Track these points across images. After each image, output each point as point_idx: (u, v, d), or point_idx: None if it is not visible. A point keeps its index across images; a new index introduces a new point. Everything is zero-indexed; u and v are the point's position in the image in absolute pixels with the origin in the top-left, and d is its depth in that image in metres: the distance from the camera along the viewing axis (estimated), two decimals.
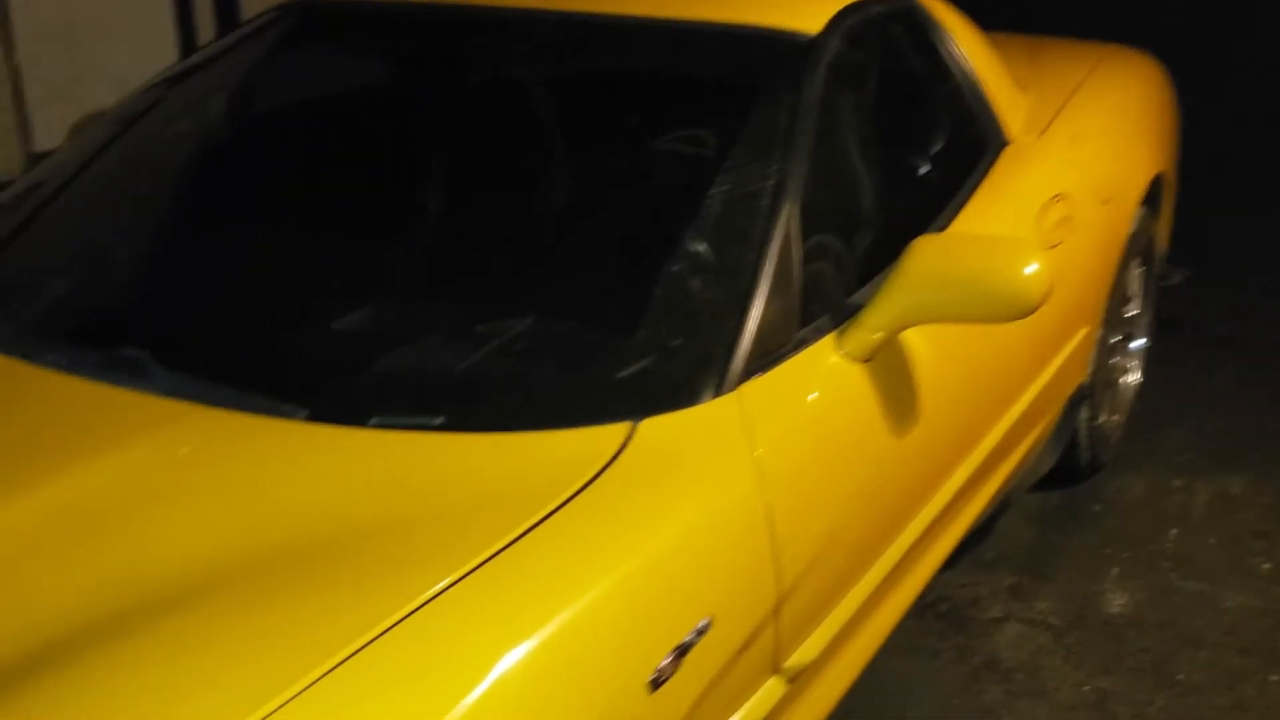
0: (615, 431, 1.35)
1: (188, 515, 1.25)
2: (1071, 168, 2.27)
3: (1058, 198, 2.16)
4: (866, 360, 1.59)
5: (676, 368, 1.46)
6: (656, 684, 1.22)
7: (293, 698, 1.01)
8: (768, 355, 1.50)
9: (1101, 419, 2.62)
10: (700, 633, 1.27)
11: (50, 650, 1.07)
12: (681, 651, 1.25)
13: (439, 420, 1.37)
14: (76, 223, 1.88)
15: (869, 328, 1.57)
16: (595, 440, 1.34)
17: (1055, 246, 2.08)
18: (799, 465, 1.46)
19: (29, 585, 1.16)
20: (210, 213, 1.84)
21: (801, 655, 1.51)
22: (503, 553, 1.18)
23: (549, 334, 1.54)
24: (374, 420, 1.37)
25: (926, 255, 1.58)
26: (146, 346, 1.48)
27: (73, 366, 1.47)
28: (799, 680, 1.52)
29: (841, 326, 1.59)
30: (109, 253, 1.80)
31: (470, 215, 1.71)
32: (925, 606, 2.23)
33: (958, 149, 2.13)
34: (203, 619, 1.10)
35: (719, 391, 1.43)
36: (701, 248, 1.54)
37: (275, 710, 0.99)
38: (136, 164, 1.93)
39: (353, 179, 1.77)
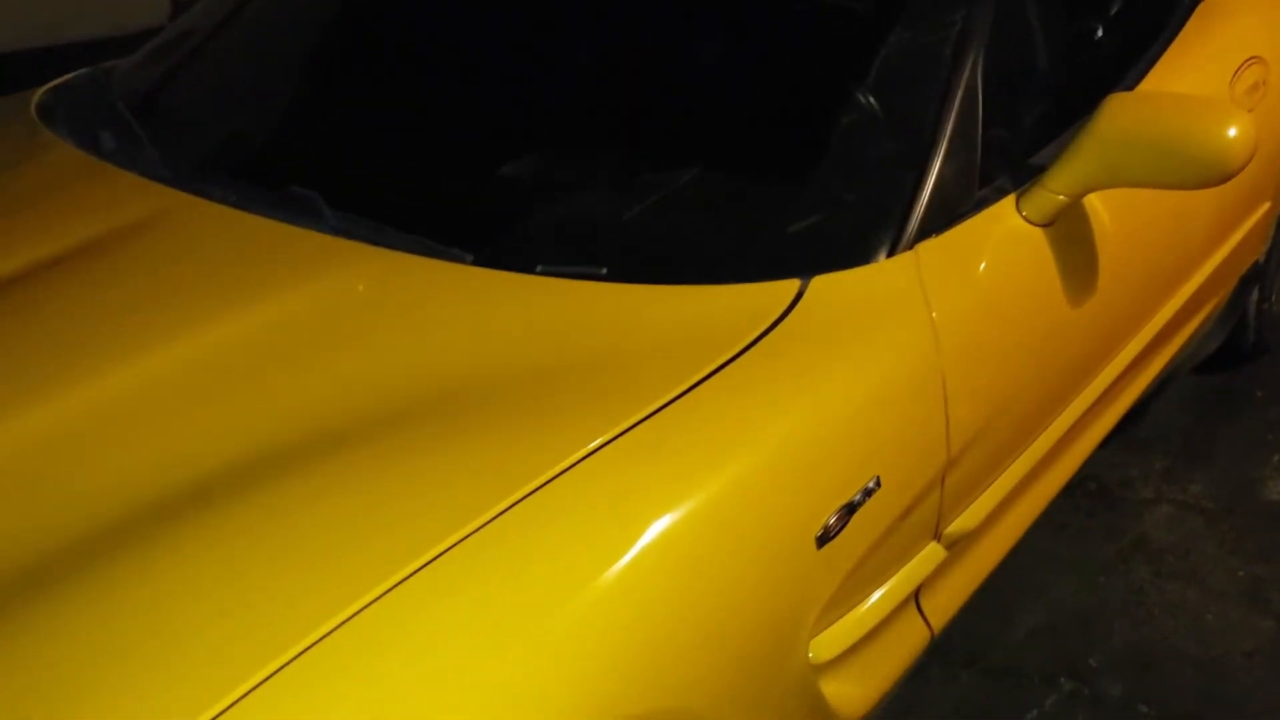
0: (785, 288, 1.32)
1: (360, 352, 1.26)
2: (1271, 30, 2.10)
3: (1253, 60, 2.00)
4: (1047, 225, 1.51)
5: (850, 224, 1.41)
6: (823, 540, 1.21)
7: (462, 540, 1.01)
8: (945, 214, 1.43)
9: (1271, 301, 2.48)
10: (868, 493, 1.26)
11: (227, 478, 1.10)
12: (849, 510, 1.24)
13: (603, 270, 1.36)
14: (239, 64, 1.88)
15: (1052, 189, 1.49)
16: (764, 296, 1.31)
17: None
18: (974, 330, 1.41)
19: (216, 412, 1.19)
20: (376, 57, 1.82)
21: (962, 523, 1.48)
22: (672, 404, 1.17)
23: (717, 186, 1.49)
24: (539, 268, 1.36)
25: (1119, 114, 1.48)
26: (316, 187, 1.48)
27: (244, 203, 1.49)
28: (956, 547, 1.50)
29: (1022, 188, 1.52)
30: (274, 94, 1.80)
31: (639, 64, 1.65)
32: (1074, 485, 2.17)
33: (1147, 2, 1.99)
34: (370, 456, 1.11)
35: (894, 250, 1.38)
36: (879, 98, 1.47)
37: (443, 552, 0.99)
38: (299, 7, 1.91)
39: (522, 25, 1.73)
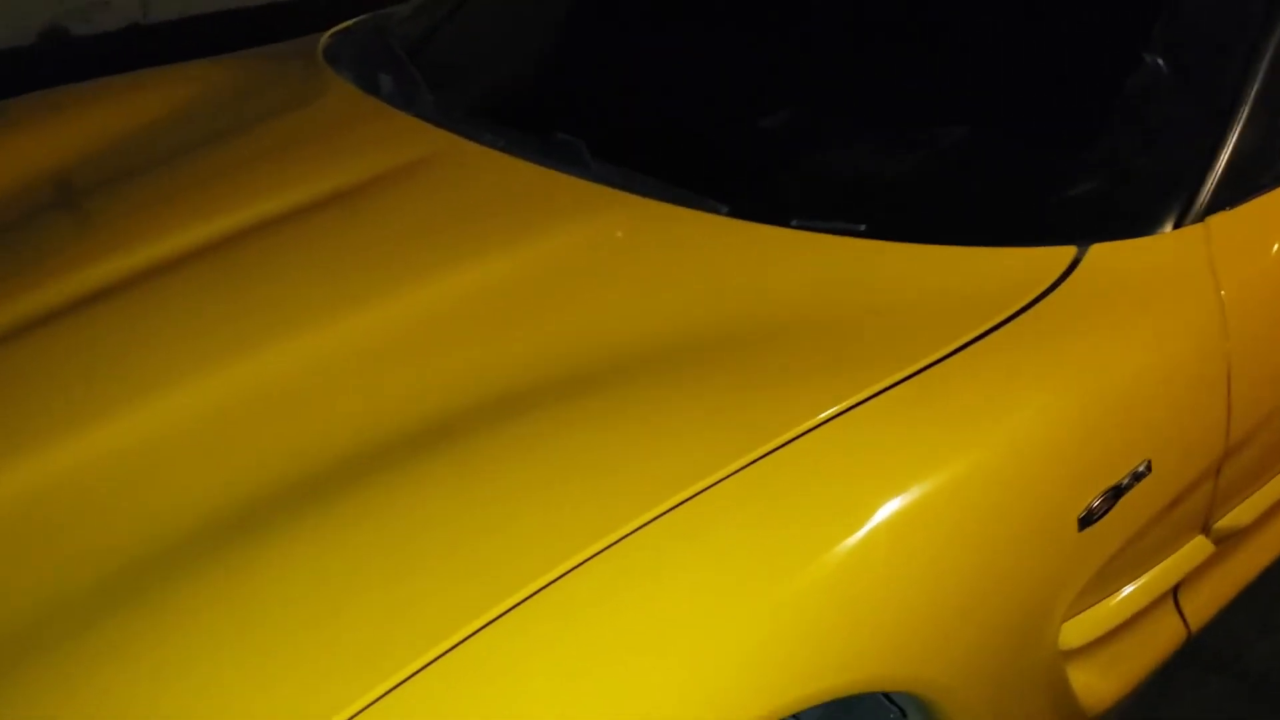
0: (1059, 255, 1.25)
1: (619, 295, 1.28)
2: None
3: None
4: None
5: (1135, 190, 1.32)
6: (1085, 522, 1.15)
7: (709, 487, 1.00)
8: (1242, 186, 1.32)
9: None
10: (1137, 477, 1.18)
11: (479, 412, 1.13)
12: (1115, 494, 1.17)
13: (862, 227, 1.33)
14: (510, 13, 1.94)
15: None
16: (1037, 262, 1.25)
17: None
18: (1267, 313, 1.30)
19: (479, 346, 1.23)
20: (643, 8, 1.83)
21: (1233, 519, 1.38)
22: (934, 366, 1.13)
23: (991, 146, 1.43)
24: (794, 222, 1.34)
25: None
26: (580, 134, 1.51)
27: (512, 148, 1.53)
28: (1225, 544, 1.40)
29: None
30: (542, 43, 1.85)
31: (914, 14, 1.60)
32: None
33: None
34: (619, 399, 1.12)
35: (1182, 221, 1.29)
36: (1175, 58, 1.37)
37: (688, 499, 0.99)
38: None
39: None
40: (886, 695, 1.15)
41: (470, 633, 0.89)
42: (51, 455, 1.12)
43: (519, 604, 0.91)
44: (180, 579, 0.97)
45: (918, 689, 1.05)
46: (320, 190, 1.51)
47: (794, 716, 1.08)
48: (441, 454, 1.07)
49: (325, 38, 1.97)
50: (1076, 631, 1.24)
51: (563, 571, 0.93)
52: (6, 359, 1.27)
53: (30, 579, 1.01)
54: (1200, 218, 1.30)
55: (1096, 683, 1.31)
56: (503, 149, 1.54)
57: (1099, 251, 1.25)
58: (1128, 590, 1.30)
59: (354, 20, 2.05)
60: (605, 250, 1.34)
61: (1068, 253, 1.25)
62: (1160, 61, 1.40)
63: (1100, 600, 1.27)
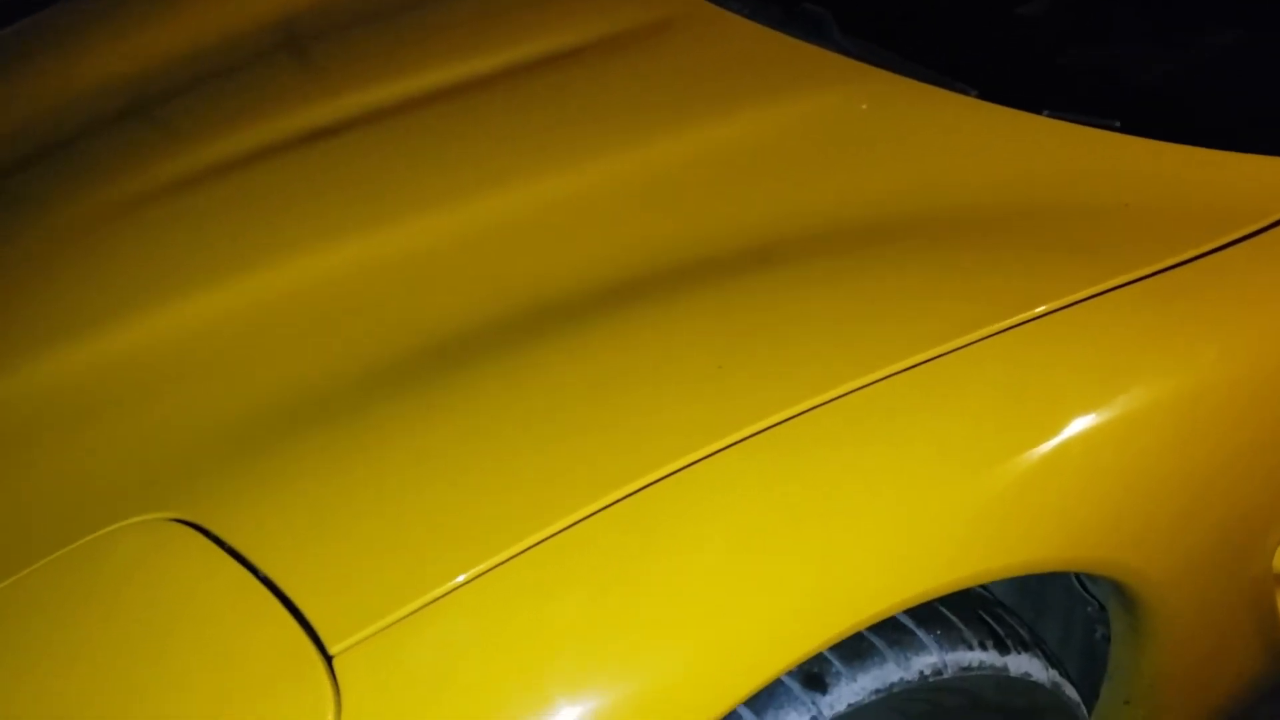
0: None
1: (863, 165, 1.28)
2: None
3: None
4: None
5: None
6: None
7: (953, 350, 1.00)
8: None
9: None
10: None
11: (729, 258, 1.16)
12: None
13: (1117, 122, 1.29)
14: None
15: None
16: None
17: None
18: None
19: (717, 201, 1.25)
20: None
21: None
22: (1177, 268, 1.09)
23: (1260, 49, 1.36)
24: (1047, 111, 1.31)
25: None
26: (827, 6, 1.51)
27: (756, 15, 1.53)
28: None
29: None
30: None
31: None
32: None
33: None
34: (852, 266, 1.13)
35: None
36: None
37: (930, 360, 1.00)
38: None
39: None
40: (1085, 588, 1.15)
41: (689, 464, 0.91)
42: (322, 258, 1.22)
43: (751, 436, 0.93)
44: (441, 378, 1.03)
45: (1126, 577, 1.04)
46: (560, 44, 1.55)
47: (986, 589, 1.10)
48: (666, 300, 1.10)
49: None
50: None
51: (784, 418, 0.95)
52: (252, 179, 1.37)
53: (302, 365, 1.10)
54: None
55: None
56: (748, 15, 1.55)
57: None
58: None
59: None
60: (849, 121, 1.34)
61: None
62: None
63: None
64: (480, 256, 1.23)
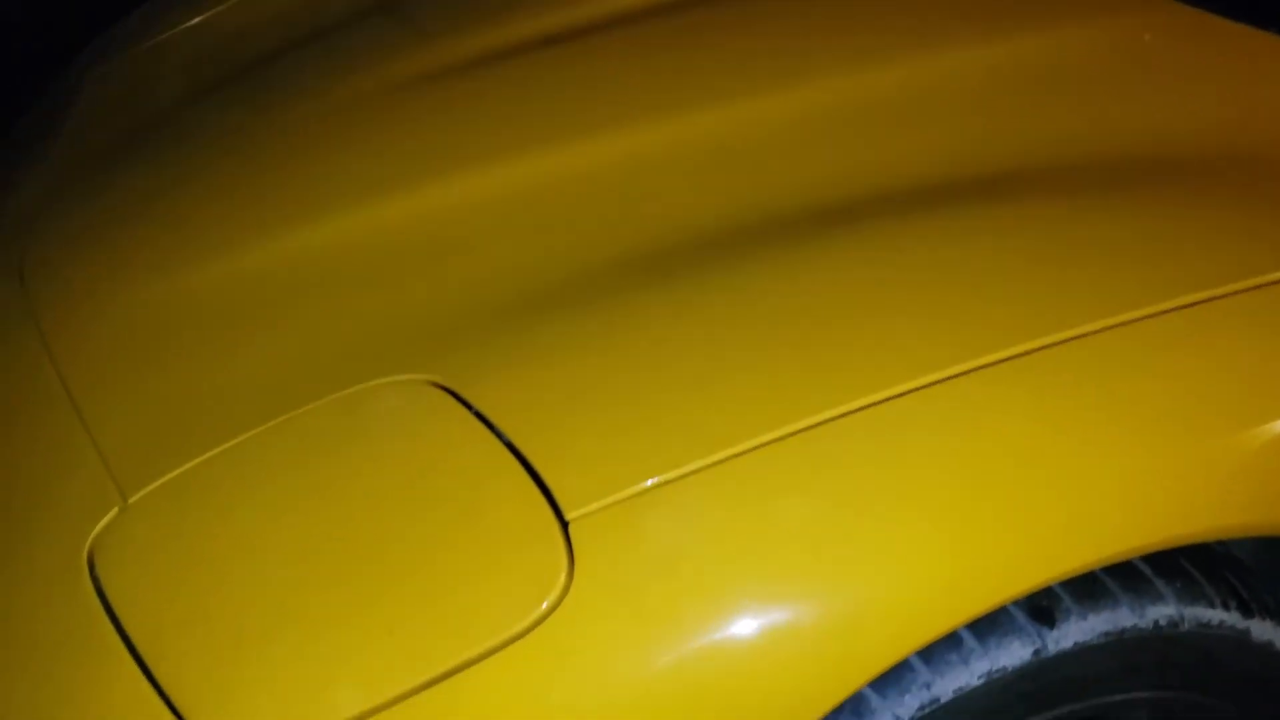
0: None
1: (1134, 103, 1.20)
2: None
3: None
4: None
5: None
6: None
7: (1180, 308, 0.94)
8: None
9: None
10: None
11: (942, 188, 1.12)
12: None
13: None
14: None
15: None
16: None
17: None
18: None
19: (949, 126, 1.21)
20: None
21: None
22: None
23: None
24: None
25: None
26: None
27: None
28: None
29: None
30: None
31: None
32: None
33: None
34: (1104, 206, 1.07)
35: None
36: None
37: (1155, 315, 0.94)
38: None
39: None
40: None
41: (967, 370, 0.90)
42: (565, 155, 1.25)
43: (1008, 359, 0.90)
44: (694, 275, 1.05)
45: None
46: None
47: (1235, 554, 1.04)
48: (918, 220, 1.07)
49: None
50: None
51: (1035, 348, 0.91)
52: (501, 76, 1.42)
53: (559, 251, 1.13)
54: None
55: None
56: None
57: None
58: None
59: None
60: (1130, 50, 1.27)
61: None
62: None
63: None
64: (730, 165, 1.23)
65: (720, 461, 0.88)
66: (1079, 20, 1.32)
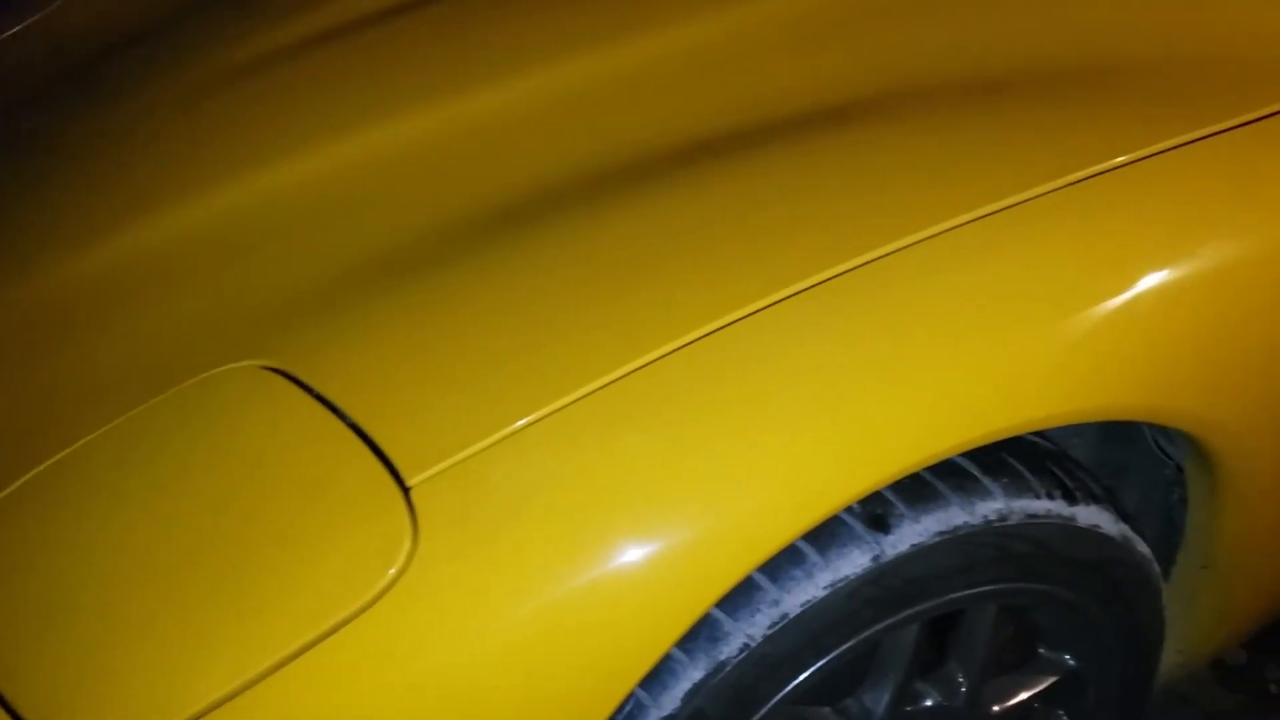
0: None
1: (937, 27, 1.24)
2: None
3: None
4: None
5: None
6: None
7: (1035, 197, 0.98)
8: None
9: None
10: None
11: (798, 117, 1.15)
12: None
13: None
14: None
15: None
16: None
17: None
18: None
19: (761, 67, 1.24)
20: None
21: None
22: (1269, 119, 1.07)
23: None
24: None
25: None
26: None
27: None
28: None
29: None
30: None
31: None
32: None
33: None
34: (927, 123, 1.11)
35: None
36: None
37: (1008, 207, 0.98)
38: None
39: None
40: (1163, 451, 1.14)
41: (785, 296, 0.92)
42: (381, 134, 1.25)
43: (828, 280, 0.93)
44: (517, 233, 1.06)
45: (1202, 432, 1.03)
46: None
47: (1056, 444, 1.10)
48: (735, 158, 1.10)
49: None
50: None
51: (866, 260, 0.95)
52: (326, 58, 1.41)
53: (387, 224, 1.13)
54: None
55: None
56: None
57: None
58: None
59: None
60: None
61: None
62: None
63: None
64: (553, 124, 1.24)
65: (559, 409, 0.90)
66: None
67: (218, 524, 0.90)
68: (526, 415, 0.89)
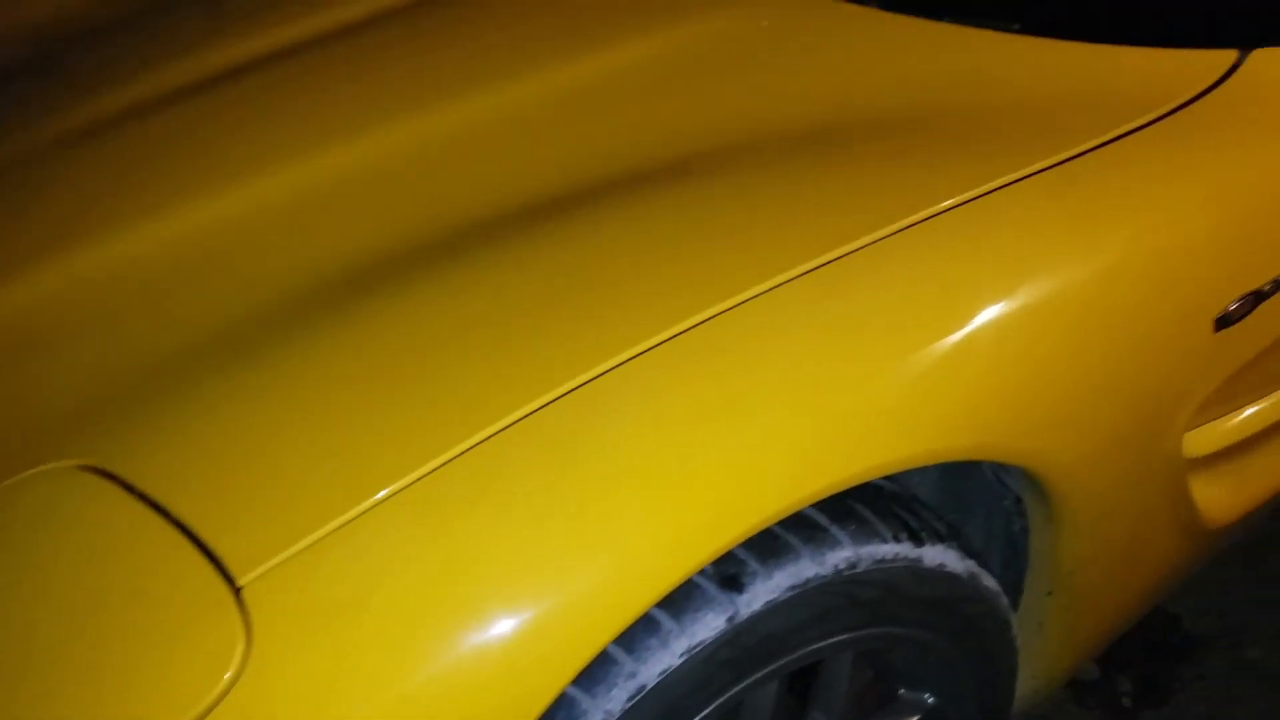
0: (1219, 58, 1.20)
1: (764, 82, 1.28)
2: None
3: None
4: None
5: None
6: (1222, 324, 1.14)
7: (849, 253, 1.01)
8: None
9: None
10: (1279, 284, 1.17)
11: (590, 193, 1.15)
12: (1257, 298, 1.15)
13: (1016, 25, 1.30)
14: None
15: None
16: (1194, 64, 1.21)
17: None
18: None
19: (602, 130, 1.25)
20: None
21: None
22: (1079, 158, 1.11)
23: None
24: (948, 17, 1.32)
25: None
26: None
27: None
28: None
29: None
30: None
31: None
32: None
33: None
34: (734, 183, 1.13)
35: None
36: None
37: (827, 263, 1.00)
38: None
39: None
40: (1001, 482, 1.17)
41: (618, 363, 0.92)
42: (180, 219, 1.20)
43: (663, 343, 0.93)
44: (344, 310, 1.03)
45: (1035, 465, 1.06)
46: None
47: (901, 485, 1.12)
48: (582, 216, 1.10)
49: None
50: (1201, 441, 1.23)
51: (700, 320, 0.95)
52: (152, 127, 1.36)
53: (206, 306, 1.09)
54: None
55: (1217, 497, 1.31)
56: None
57: (1261, 58, 1.20)
58: (1257, 407, 1.28)
59: None
60: (749, 38, 1.34)
61: (1228, 57, 1.21)
62: None
63: (1228, 413, 1.26)
64: (382, 190, 1.22)
65: (394, 493, 0.86)
66: (707, 13, 1.38)
67: (31, 643, 0.84)
68: (361, 502, 0.86)
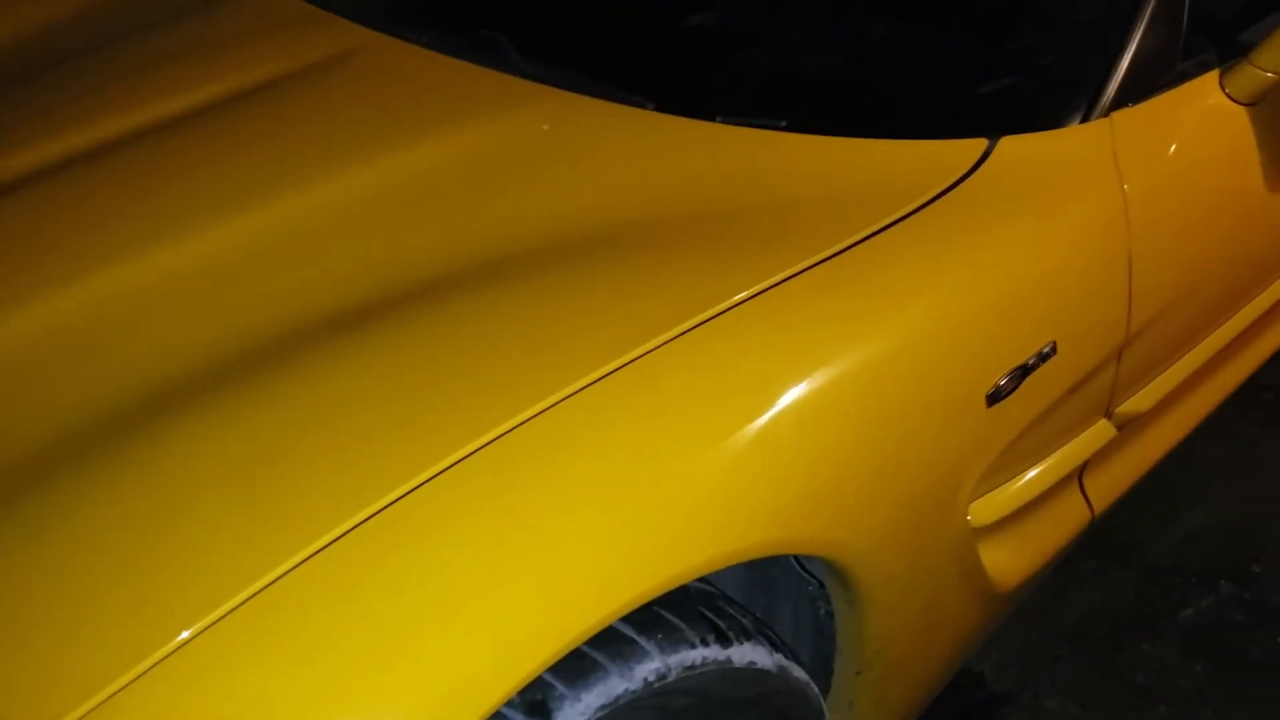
0: (971, 147, 1.29)
1: (546, 186, 1.29)
2: None
3: None
4: (1251, 104, 1.44)
5: (1044, 86, 1.36)
6: (993, 399, 1.20)
7: (637, 358, 1.02)
8: (1144, 84, 1.37)
9: None
10: (1043, 357, 1.24)
11: (387, 302, 1.13)
12: (1022, 372, 1.22)
13: (784, 122, 1.35)
14: None
15: (1260, 66, 1.41)
16: (950, 153, 1.28)
17: None
18: (1166, 207, 1.36)
19: (390, 237, 1.23)
20: None
21: (1134, 404, 1.45)
22: (849, 250, 1.16)
23: (906, 42, 1.47)
24: (719, 118, 1.37)
25: None
26: (504, 31, 1.51)
27: (435, 44, 1.52)
28: (1126, 429, 1.47)
29: (1228, 64, 1.44)
30: None
31: None
32: (1250, 393, 2.09)
33: None
34: (531, 289, 1.13)
35: (1088, 117, 1.33)
36: None
37: (618, 369, 1.01)
38: None
39: None
40: (804, 568, 1.20)
41: (409, 489, 0.90)
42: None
43: (454, 464, 0.92)
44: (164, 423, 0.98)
45: (833, 554, 1.09)
46: (249, 81, 1.50)
47: (716, 587, 1.12)
48: (373, 331, 1.08)
49: None
50: (986, 510, 1.29)
51: (493, 437, 0.94)
52: None
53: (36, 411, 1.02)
54: (1105, 113, 1.34)
55: (1007, 560, 1.38)
56: (426, 45, 1.54)
57: (1009, 143, 1.29)
58: (1034, 472, 1.36)
59: None
60: (531, 143, 1.35)
61: (980, 144, 1.29)
62: None
63: (1008, 480, 1.33)
64: (170, 308, 1.17)
65: (175, 649, 0.81)
66: (486, 119, 1.38)
67: None
68: (145, 660, 0.81)
